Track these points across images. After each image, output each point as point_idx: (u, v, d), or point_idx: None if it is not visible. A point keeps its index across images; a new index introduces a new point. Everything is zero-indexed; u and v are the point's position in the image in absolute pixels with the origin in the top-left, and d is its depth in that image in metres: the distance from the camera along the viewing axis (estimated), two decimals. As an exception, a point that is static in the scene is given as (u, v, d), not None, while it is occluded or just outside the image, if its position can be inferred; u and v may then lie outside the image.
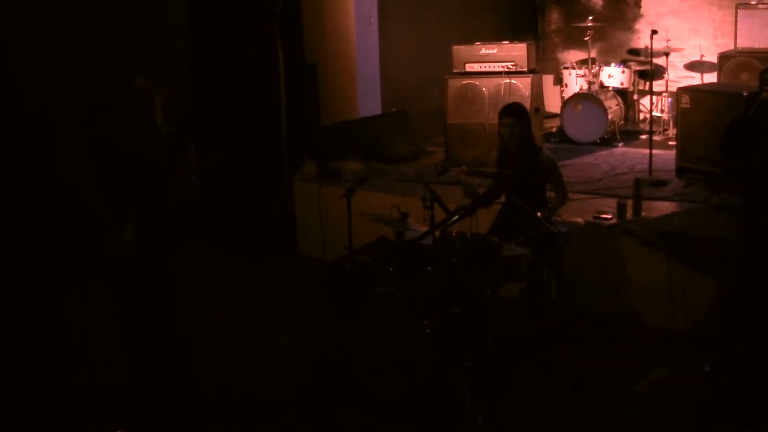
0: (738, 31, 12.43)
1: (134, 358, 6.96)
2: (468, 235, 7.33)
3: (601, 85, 13.38)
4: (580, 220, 7.71)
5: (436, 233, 6.80)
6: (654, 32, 10.87)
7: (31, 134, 9.68)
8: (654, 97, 13.41)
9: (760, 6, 12.32)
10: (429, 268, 7.07)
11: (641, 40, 13.54)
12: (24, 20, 9.66)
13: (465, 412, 6.44)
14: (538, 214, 7.18)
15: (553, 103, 14.87)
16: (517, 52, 11.37)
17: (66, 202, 8.85)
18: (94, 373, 7.50)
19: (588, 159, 11.92)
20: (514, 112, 8.19)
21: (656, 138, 12.62)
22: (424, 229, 6.88)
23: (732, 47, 12.63)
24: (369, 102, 12.45)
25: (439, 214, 6.92)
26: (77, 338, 8.29)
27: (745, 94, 9.31)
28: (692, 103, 9.92)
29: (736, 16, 12.49)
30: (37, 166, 9.63)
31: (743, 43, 12.36)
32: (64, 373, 7.60)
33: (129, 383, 6.92)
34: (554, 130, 13.47)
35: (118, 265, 6.79)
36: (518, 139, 8.11)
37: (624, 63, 13.72)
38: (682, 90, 10.29)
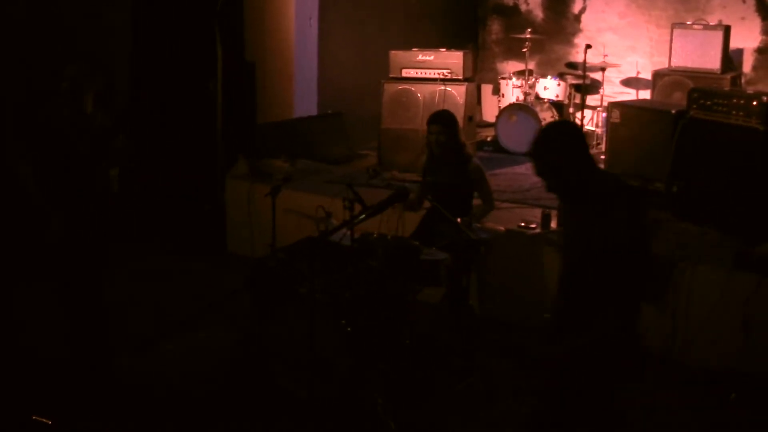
0: (673, 49, 12.60)
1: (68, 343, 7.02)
2: (389, 237, 7.38)
3: (537, 97, 13.47)
4: (501, 227, 7.80)
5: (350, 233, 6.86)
6: (588, 46, 11.04)
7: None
8: (591, 112, 13.57)
9: (695, 26, 12.51)
10: (350, 269, 7.12)
11: (579, 55, 13.67)
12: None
13: (378, 415, 6.48)
14: (458, 220, 7.25)
15: (491, 112, 14.98)
16: (453, 60, 11.43)
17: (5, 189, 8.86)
18: (24, 360, 7.50)
19: (519, 169, 12.00)
20: (439, 120, 8.24)
21: (590, 151, 12.73)
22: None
23: (667, 65, 12.79)
24: (305, 103, 12.47)
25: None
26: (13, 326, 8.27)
27: (673, 111, 9.46)
28: (622, 118, 10.07)
29: (671, 35, 12.67)
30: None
31: (677, 62, 12.54)
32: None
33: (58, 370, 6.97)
34: (489, 139, 13.56)
35: (52, 252, 6.84)
36: (444, 147, 8.15)
37: (561, 76, 13.82)
38: (613, 105, 10.45)
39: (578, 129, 4.87)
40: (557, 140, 4.70)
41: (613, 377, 4.80)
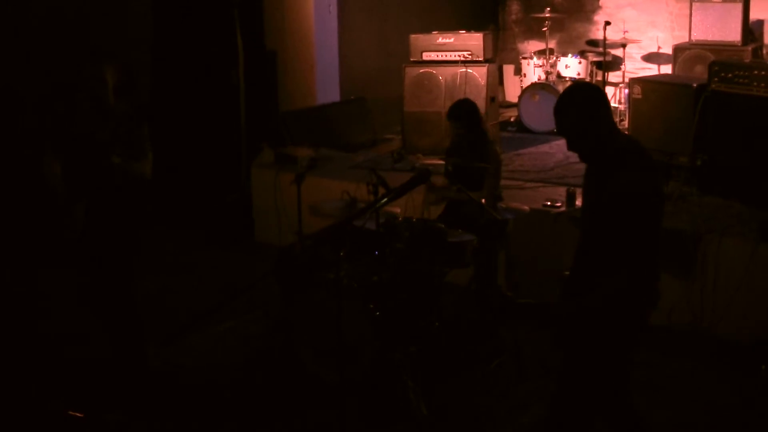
0: (693, 23, 12.54)
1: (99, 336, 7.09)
2: (414, 220, 7.42)
3: (559, 76, 13.50)
4: (525, 207, 7.82)
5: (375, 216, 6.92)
6: (607, 23, 11.02)
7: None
8: (614, 88, 13.56)
9: (714, -1, 12.48)
10: (376, 253, 7.15)
11: (600, 32, 13.64)
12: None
13: (409, 398, 6.52)
14: (482, 201, 7.28)
15: (513, 92, 15.02)
16: (473, 41, 11.45)
17: (26, 180, 8.92)
18: (52, 353, 7.59)
19: (543, 148, 12.02)
20: (455, 115, 8.30)
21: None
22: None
23: (687, 39, 12.75)
24: (327, 89, 12.49)
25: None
26: (35, 318, 8.36)
27: (694, 85, 9.44)
28: (644, 94, 10.04)
29: (690, 9, 12.62)
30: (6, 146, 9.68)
31: (698, 35, 12.47)
32: (24, 351, 7.66)
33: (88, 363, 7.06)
34: (512, 119, 13.57)
35: (73, 244, 6.87)
36: (465, 137, 8.24)
37: (581, 54, 13.83)
38: (634, 81, 10.41)
39: (600, 91, 4.95)
40: (580, 99, 4.78)
41: (619, 339, 4.86)
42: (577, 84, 5.08)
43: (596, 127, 4.72)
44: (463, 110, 8.32)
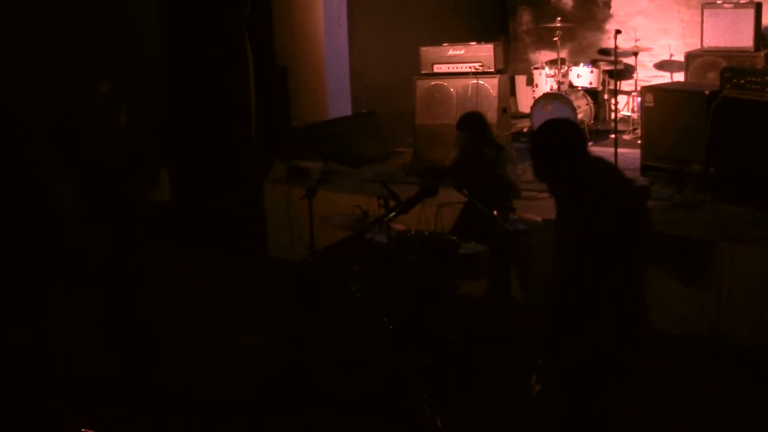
0: (704, 30, 12.51)
1: (114, 359, 7.09)
2: (426, 233, 7.41)
3: (571, 85, 13.45)
4: (538, 218, 7.79)
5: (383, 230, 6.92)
6: (618, 32, 10.93)
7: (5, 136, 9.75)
8: (626, 96, 13.53)
9: (726, 5, 12.40)
10: (388, 266, 7.14)
11: (611, 40, 13.62)
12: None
13: (423, 411, 6.49)
14: (495, 212, 7.26)
15: (526, 103, 14.96)
16: (484, 52, 11.42)
17: (42, 206, 8.94)
18: (69, 373, 7.59)
19: (556, 158, 11.94)
20: (463, 126, 8.35)
21: (626, 137, 12.76)
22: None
23: (699, 46, 12.72)
24: (339, 103, 12.48)
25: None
26: (54, 340, 8.36)
27: (706, 92, 9.42)
28: (656, 102, 10.02)
29: (702, 16, 12.58)
30: (12, 169, 9.70)
31: (709, 42, 12.44)
32: (42, 372, 7.66)
33: (106, 383, 7.06)
34: (525, 130, 13.53)
35: (96, 269, 6.89)
36: (472, 149, 8.26)
37: (593, 63, 13.81)
38: (646, 89, 10.39)
39: (578, 128, 4.82)
40: (558, 139, 4.66)
41: (612, 381, 4.77)
42: (544, 126, 4.91)
43: (567, 168, 4.61)
44: (470, 121, 8.38)
